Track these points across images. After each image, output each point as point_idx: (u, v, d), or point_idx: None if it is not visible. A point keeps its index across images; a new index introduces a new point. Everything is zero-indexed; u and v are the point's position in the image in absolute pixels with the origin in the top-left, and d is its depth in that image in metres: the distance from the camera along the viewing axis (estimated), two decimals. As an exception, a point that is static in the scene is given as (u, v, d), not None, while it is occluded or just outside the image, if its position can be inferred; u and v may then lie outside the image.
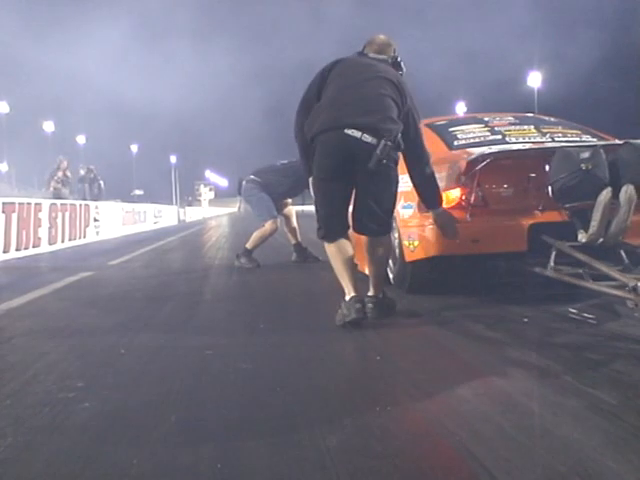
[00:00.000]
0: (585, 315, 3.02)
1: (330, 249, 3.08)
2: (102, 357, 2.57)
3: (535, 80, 42.13)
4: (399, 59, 3.20)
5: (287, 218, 6.41)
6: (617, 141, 3.49)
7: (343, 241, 3.06)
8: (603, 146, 3.18)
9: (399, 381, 2.09)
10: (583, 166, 3.01)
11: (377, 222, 3.02)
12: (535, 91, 41.63)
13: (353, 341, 2.83)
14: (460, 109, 49.73)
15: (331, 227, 3.05)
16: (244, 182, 6.12)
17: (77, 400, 1.96)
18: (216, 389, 2.06)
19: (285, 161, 6.14)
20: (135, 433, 1.67)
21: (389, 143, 2.83)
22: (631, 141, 3.21)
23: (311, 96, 3.09)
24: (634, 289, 2.44)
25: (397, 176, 3.04)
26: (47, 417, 1.82)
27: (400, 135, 2.94)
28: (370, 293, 3.13)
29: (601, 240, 3.05)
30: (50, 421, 1.79)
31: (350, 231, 3.16)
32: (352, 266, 3.07)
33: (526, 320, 2.98)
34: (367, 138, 2.83)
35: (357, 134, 2.84)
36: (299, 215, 6.64)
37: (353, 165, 2.89)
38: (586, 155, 3.03)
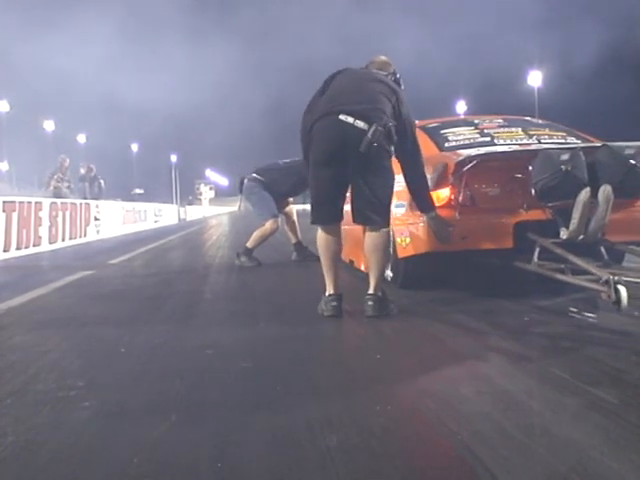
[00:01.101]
0: (585, 314, 3.02)
1: (320, 244, 3.29)
2: (102, 356, 2.57)
3: (535, 79, 42.14)
4: (398, 76, 3.44)
5: (288, 217, 6.40)
6: (596, 143, 3.69)
7: (333, 238, 3.25)
8: (582, 148, 3.36)
9: (399, 380, 2.09)
10: (563, 167, 3.18)
11: (374, 211, 3.14)
12: (535, 90, 41.65)
13: (353, 340, 2.83)
14: (460, 108, 49.81)
15: (321, 212, 3.23)
16: (246, 180, 6.11)
17: (77, 399, 1.96)
18: (216, 388, 2.06)
19: (288, 160, 6.12)
20: (135, 432, 1.67)
21: (380, 128, 3.00)
22: (608, 144, 3.40)
23: (315, 99, 3.28)
24: (606, 282, 2.63)
25: (391, 168, 3.17)
26: (48, 416, 1.82)
27: (395, 131, 3.09)
28: (370, 291, 3.18)
29: (581, 237, 3.25)
30: (51, 420, 1.79)
31: (343, 231, 3.33)
32: (337, 263, 3.31)
33: (527, 319, 2.98)
34: (359, 124, 3.01)
35: (350, 120, 3.02)
36: (300, 214, 6.64)
37: (346, 149, 3.04)
38: (566, 157, 3.21)
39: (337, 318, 3.14)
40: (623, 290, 2.57)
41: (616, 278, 2.60)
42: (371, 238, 3.20)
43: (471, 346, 2.50)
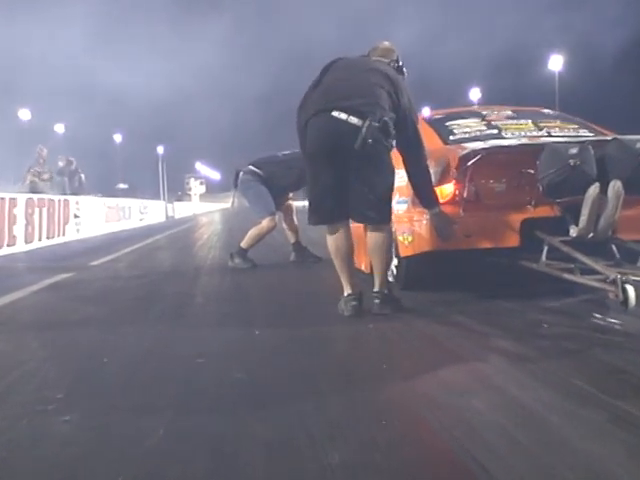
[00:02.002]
0: (610, 320, 3.02)
1: (331, 245, 3.38)
2: (83, 366, 2.58)
3: (556, 63, 42.18)
4: (401, 64, 3.53)
5: (286, 214, 6.38)
6: (606, 137, 3.77)
7: (343, 238, 3.34)
8: (591, 142, 3.45)
9: (407, 391, 2.10)
10: (571, 162, 3.27)
11: (373, 209, 3.25)
12: (556, 75, 41.71)
13: (357, 348, 2.84)
14: (474, 95, 49.93)
15: (321, 212, 3.33)
16: (241, 173, 6.08)
17: (57, 412, 1.97)
18: (208, 400, 2.06)
19: (287, 152, 6.10)
20: (120, 448, 1.68)
21: (375, 123, 3.08)
22: (619, 137, 3.51)
23: (309, 92, 3.38)
24: (613, 281, 2.77)
25: (390, 163, 3.28)
26: (25, 431, 1.83)
27: (393, 126, 3.18)
28: (375, 289, 3.32)
29: (591, 235, 3.34)
30: (28, 435, 1.80)
31: (352, 229, 3.43)
32: (351, 263, 3.43)
33: (546, 326, 2.99)
34: (353, 120, 3.11)
35: (343, 116, 3.13)
36: (299, 211, 6.64)
37: (341, 147, 3.15)
38: (574, 151, 3.30)
39: (353, 318, 3.23)
40: (631, 290, 2.69)
41: (624, 277, 2.73)
42: (372, 237, 3.32)
43: (482, 353, 2.51)
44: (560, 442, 1.61)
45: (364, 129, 3.07)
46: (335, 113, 3.13)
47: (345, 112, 3.12)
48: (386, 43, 3.63)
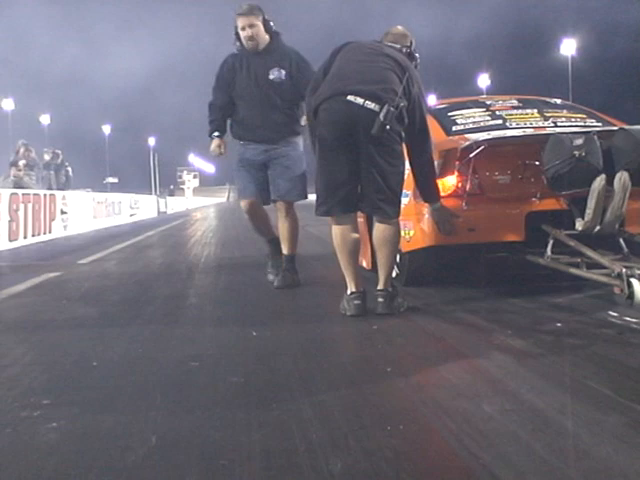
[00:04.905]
0: (627, 319, 3.02)
1: (336, 238, 3.37)
2: (71, 370, 2.57)
3: (569, 48, 42.24)
4: (413, 49, 3.54)
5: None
6: (613, 127, 3.82)
7: (350, 231, 3.35)
8: (597, 132, 3.48)
9: (413, 396, 2.09)
10: (576, 153, 3.30)
11: (385, 200, 3.25)
12: (569, 59, 41.76)
13: (359, 349, 2.83)
14: (483, 82, 49.95)
15: (333, 201, 3.31)
16: None
17: (43, 419, 1.96)
18: (202, 406, 2.06)
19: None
20: (109, 457, 1.68)
21: (392, 109, 3.10)
22: (625, 127, 3.55)
23: (320, 77, 3.43)
24: (619, 275, 2.82)
25: (403, 153, 3.32)
26: (9, 439, 1.83)
27: (405, 113, 3.21)
28: (379, 287, 3.33)
29: (598, 228, 3.38)
30: (12, 443, 1.79)
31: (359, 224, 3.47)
32: (356, 259, 3.44)
33: (559, 325, 2.99)
34: (369, 104, 3.14)
35: (359, 101, 3.16)
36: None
37: (356, 133, 3.20)
38: (579, 142, 3.34)
39: (356, 318, 3.23)
40: (636, 284, 2.72)
41: (629, 271, 2.77)
42: (380, 230, 3.32)
43: (492, 354, 2.51)
44: (577, 448, 1.61)
45: (382, 114, 3.08)
46: (351, 97, 3.16)
47: (361, 96, 3.14)
48: (399, 28, 3.64)
